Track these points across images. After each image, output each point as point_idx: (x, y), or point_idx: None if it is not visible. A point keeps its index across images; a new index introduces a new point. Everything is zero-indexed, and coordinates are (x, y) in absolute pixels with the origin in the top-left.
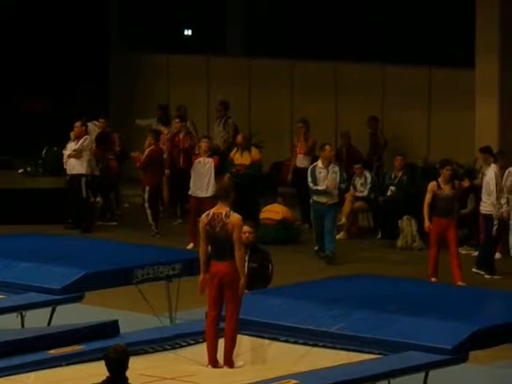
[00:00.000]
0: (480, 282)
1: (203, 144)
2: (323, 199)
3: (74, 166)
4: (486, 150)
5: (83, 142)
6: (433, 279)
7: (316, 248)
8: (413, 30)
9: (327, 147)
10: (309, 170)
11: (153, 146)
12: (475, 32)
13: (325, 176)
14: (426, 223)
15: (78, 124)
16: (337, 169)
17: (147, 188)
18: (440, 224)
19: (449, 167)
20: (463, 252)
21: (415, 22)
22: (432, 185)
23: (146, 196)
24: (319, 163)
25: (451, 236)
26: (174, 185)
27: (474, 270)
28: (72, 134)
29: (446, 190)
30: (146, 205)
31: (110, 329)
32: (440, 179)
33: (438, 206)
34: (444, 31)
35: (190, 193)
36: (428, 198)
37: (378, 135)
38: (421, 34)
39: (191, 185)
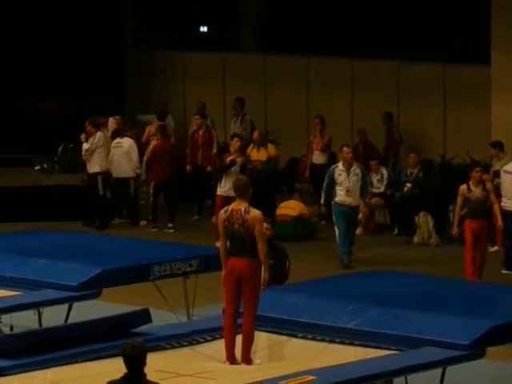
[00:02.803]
0: (497, 277)
1: (235, 143)
2: (347, 201)
3: (91, 165)
4: (496, 145)
5: (93, 140)
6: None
7: (340, 254)
8: (428, 27)
9: (345, 149)
10: (328, 172)
11: (158, 142)
12: (491, 28)
13: (345, 178)
14: (455, 229)
15: (86, 123)
16: (358, 171)
17: (152, 184)
18: (473, 226)
19: (478, 169)
20: None
21: (430, 18)
22: (462, 188)
23: (151, 191)
24: (340, 165)
25: (481, 240)
26: (193, 181)
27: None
28: (83, 135)
29: (477, 192)
30: (151, 199)
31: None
32: (470, 182)
33: (469, 208)
34: (459, 27)
35: (220, 193)
36: (459, 201)
37: (393, 131)
38: (436, 31)
39: (222, 184)
